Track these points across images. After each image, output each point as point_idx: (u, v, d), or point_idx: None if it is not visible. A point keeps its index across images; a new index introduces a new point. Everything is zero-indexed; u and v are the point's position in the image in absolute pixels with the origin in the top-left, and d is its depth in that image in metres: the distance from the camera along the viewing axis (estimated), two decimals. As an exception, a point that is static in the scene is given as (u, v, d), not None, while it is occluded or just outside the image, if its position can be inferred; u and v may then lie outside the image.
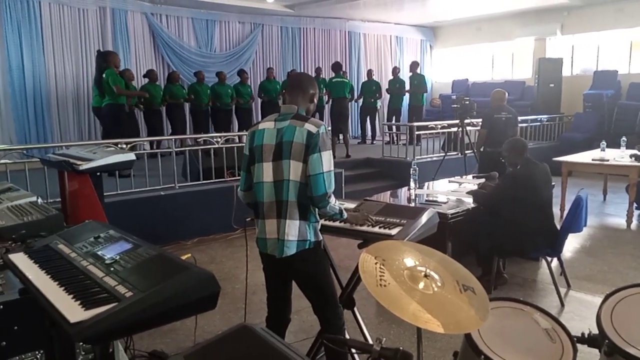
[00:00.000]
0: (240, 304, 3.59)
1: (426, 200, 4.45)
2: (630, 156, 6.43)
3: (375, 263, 1.58)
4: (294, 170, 2.23)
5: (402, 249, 1.77)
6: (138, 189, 5.63)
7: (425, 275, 1.59)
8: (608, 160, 6.52)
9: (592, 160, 6.69)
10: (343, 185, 7.12)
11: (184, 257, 1.95)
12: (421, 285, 1.56)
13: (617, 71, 10.59)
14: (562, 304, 3.92)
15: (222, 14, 10.83)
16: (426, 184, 5.57)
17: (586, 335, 1.80)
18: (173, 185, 5.85)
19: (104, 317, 1.44)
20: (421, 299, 1.50)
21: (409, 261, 1.67)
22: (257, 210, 2.39)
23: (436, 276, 1.60)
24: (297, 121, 2.29)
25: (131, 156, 4.01)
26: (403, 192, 5.21)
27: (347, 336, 2.88)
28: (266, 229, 2.33)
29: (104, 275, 1.72)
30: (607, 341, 1.66)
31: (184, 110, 9.52)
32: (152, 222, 5.47)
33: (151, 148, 7.52)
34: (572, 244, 5.37)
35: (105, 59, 7.30)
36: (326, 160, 2.23)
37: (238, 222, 2.65)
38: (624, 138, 7.12)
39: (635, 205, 6.32)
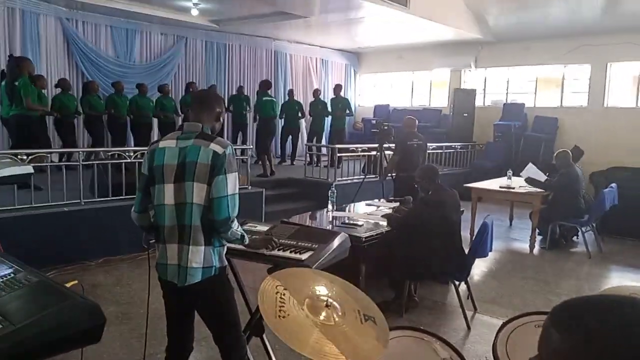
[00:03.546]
0: (145, 330, 3.38)
1: (343, 223, 4.46)
2: (525, 180, 6.89)
3: (276, 293, 1.52)
4: (197, 192, 2.11)
5: (306, 276, 1.72)
6: (39, 204, 5.20)
7: (327, 305, 1.55)
8: (514, 188, 6.93)
9: (500, 187, 7.09)
10: (264, 205, 7.01)
11: (69, 284, 1.79)
12: (322, 315, 1.52)
13: (524, 104, 11.38)
14: (469, 327, 4.05)
15: (143, 25, 10.46)
16: (346, 206, 5.62)
17: (483, 364, 1.84)
18: (79, 200, 5.47)
19: (-38, 355, 1.27)
20: (321, 331, 1.46)
21: (312, 290, 1.62)
22: (157, 234, 2.25)
23: (338, 306, 1.56)
24: (202, 140, 2.16)
25: (28, 169, 3.70)
26: (321, 214, 5.21)
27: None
28: (167, 254, 2.19)
29: (-29, 305, 1.53)
30: (500, 370, 1.70)
31: (103, 122, 9.06)
32: (53, 241, 5.08)
33: (60, 161, 7.05)
34: (479, 267, 5.61)
35: (18, 66, 6.77)
36: (231, 183, 2.13)
37: (148, 242, 2.49)
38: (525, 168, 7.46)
39: (537, 231, 6.73)
